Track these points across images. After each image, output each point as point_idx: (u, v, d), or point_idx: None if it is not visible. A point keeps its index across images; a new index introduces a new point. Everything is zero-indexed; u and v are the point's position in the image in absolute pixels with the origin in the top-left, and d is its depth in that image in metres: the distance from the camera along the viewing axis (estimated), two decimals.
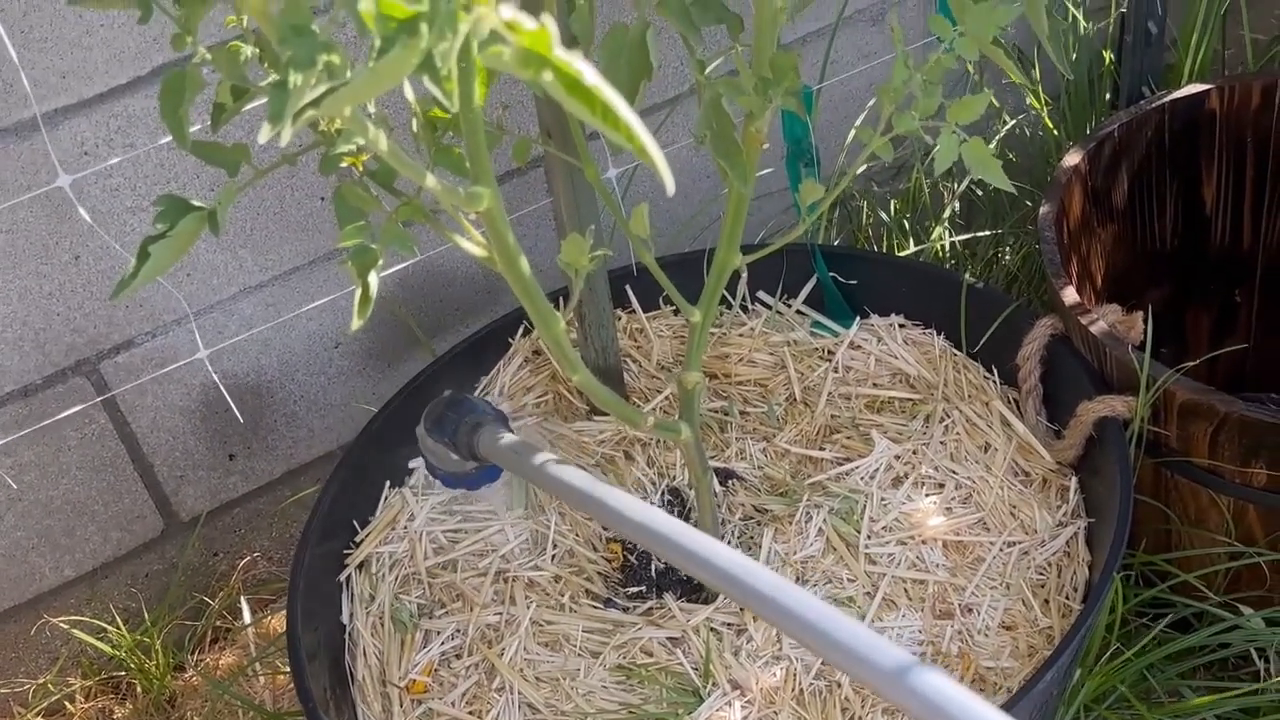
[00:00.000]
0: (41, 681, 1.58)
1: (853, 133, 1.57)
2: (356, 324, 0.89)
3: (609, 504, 0.93)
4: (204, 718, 1.54)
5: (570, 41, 1.17)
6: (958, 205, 1.70)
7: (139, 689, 1.59)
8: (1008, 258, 1.64)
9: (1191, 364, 1.22)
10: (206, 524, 1.60)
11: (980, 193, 1.72)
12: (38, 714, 1.57)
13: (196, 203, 0.95)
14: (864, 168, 1.76)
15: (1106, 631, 1.30)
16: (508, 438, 1.13)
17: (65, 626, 1.55)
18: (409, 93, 1.02)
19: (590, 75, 0.54)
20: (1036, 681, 1.06)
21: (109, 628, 1.57)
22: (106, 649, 1.57)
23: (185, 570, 1.61)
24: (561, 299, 1.42)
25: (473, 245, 0.97)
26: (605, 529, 1.36)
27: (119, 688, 1.61)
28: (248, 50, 0.92)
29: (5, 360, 1.36)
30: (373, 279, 0.94)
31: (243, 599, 1.61)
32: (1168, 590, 1.35)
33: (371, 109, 0.95)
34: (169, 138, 1.31)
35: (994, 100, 1.69)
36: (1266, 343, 1.63)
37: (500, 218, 0.92)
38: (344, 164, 0.98)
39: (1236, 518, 1.27)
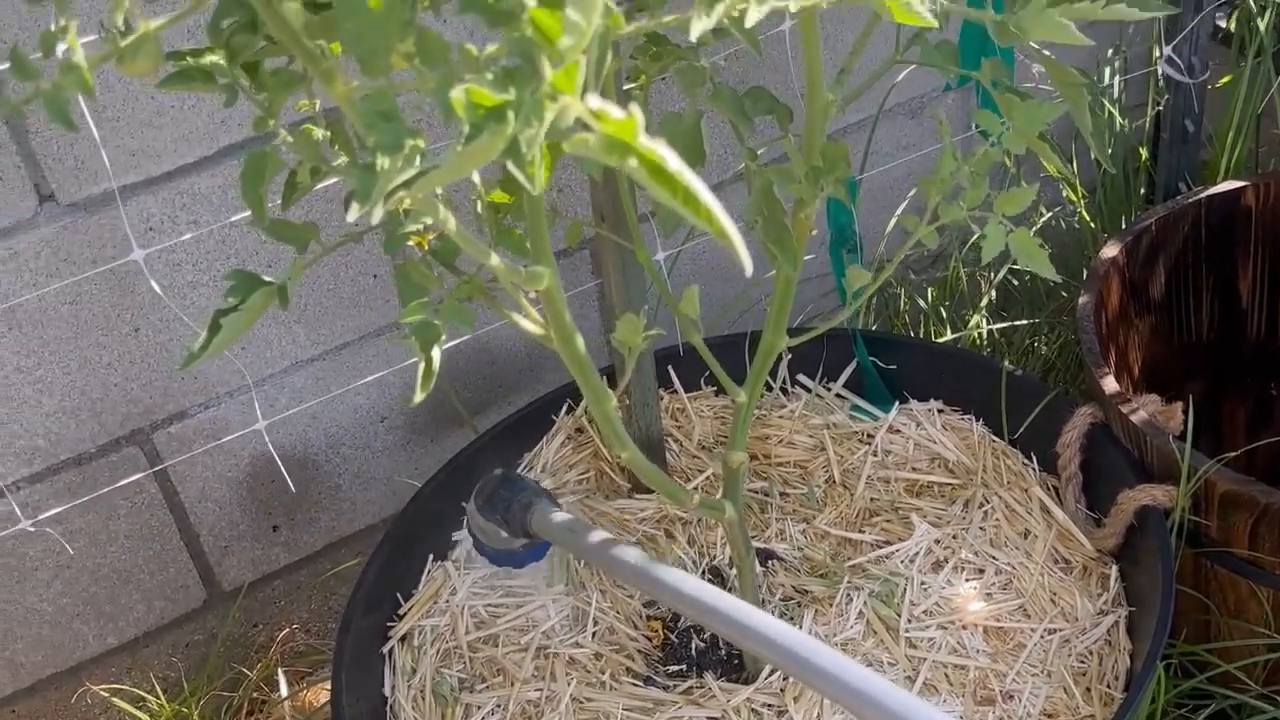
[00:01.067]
0: None
1: (893, 220, 1.60)
2: (419, 397, 0.91)
3: (665, 580, 0.96)
4: None
5: None
6: (994, 295, 1.73)
7: None
8: (1044, 347, 1.66)
9: (1232, 455, 1.23)
10: (247, 595, 1.62)
11: (1016, 283, 1.75)
12: None
13: (266, 278, 0.98)
14: (903, 256, 1.79)
15: None
16: (561, 515, 1.16)
17: (105, 694, 1.57)
18: (474, 175, 1.06)
19: (674, 162, 0.57)
20: None
21: (148, 697, 1.58)
22: (145, 718, 1.58)
23: (225, 641, 1.63)
24: (605, 377, 1.45)
25: (530, 324, 1.00)
26: (646, 606, 1.37)
27: None
28: (319, 133, 0.96)
29: (62, 428, 1.39)
30: (435, 353, 0.96)
31: (280, 671, 1.62)
32: (1207, 681, 1.35)
33: (439, 190, 0.99)
34: (232, 215, 1.35)
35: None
36: None
37: (559, 296, 0.95)
38: (410, 242, 1.01)
39: (1276, 609, 1.28)
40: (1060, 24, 0.92)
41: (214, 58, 0.87)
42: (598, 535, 1.11)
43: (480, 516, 1.21)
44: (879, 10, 0.85)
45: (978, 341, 1.65)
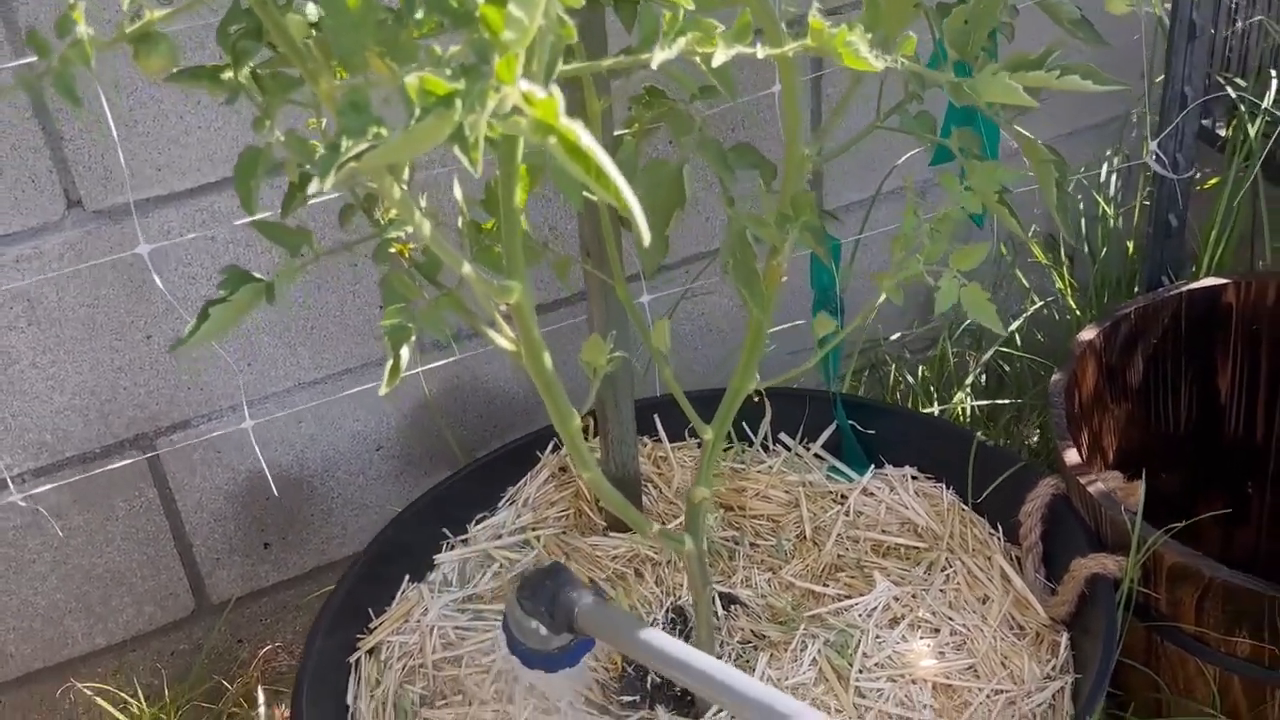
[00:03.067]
0: None
1: (884, 295, 1.66)
2: (384, 390, 0.97)
3: (727, 681, 1.01)
4: None
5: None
6: (985, 377, 1.77)
7: None
8: (1025, 427, 1.70)
9: (1179, 525, 1.26)
10: (234, 609, 1.67)
11: (1008, 368, 1.79)
12: None
13: (258, 275, 1.05)
14: (898, 335, 1.84)
15: None
16: (610, 608, 1.15)
17: (89, 693, 1.62)
18: (458, 192, 1.13)
19: (586, 139, 0.63)
20: None
21: (131, 700, 1.63)
22: None
23: (209, 653, 1.68)
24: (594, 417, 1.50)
25: (503, 340, 1.06)
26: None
27: None
28: (320, 147, 1.03)
29: (70, 425, 1.46)
30: (404, 353, 1.02)
31: (260, 689, 1.67)
32: None
33: (423, 203, 1.06)
34: (245, 233, 1.43)
35: (1023, 281, 1.78)
36: (1278, 537, 1.66)
37: (529, 312, 1.00)
38: (393, 250, 1.08)
39: (1222, 690, 1.30)
40: (1009, 87, 0.98)
41: (229, 74, 0.95)
42: (648, 631, 1.10)
43: (519, 608, 1.17)
44: (833, 57, 0.92)
45: (961, 418, 1.69)
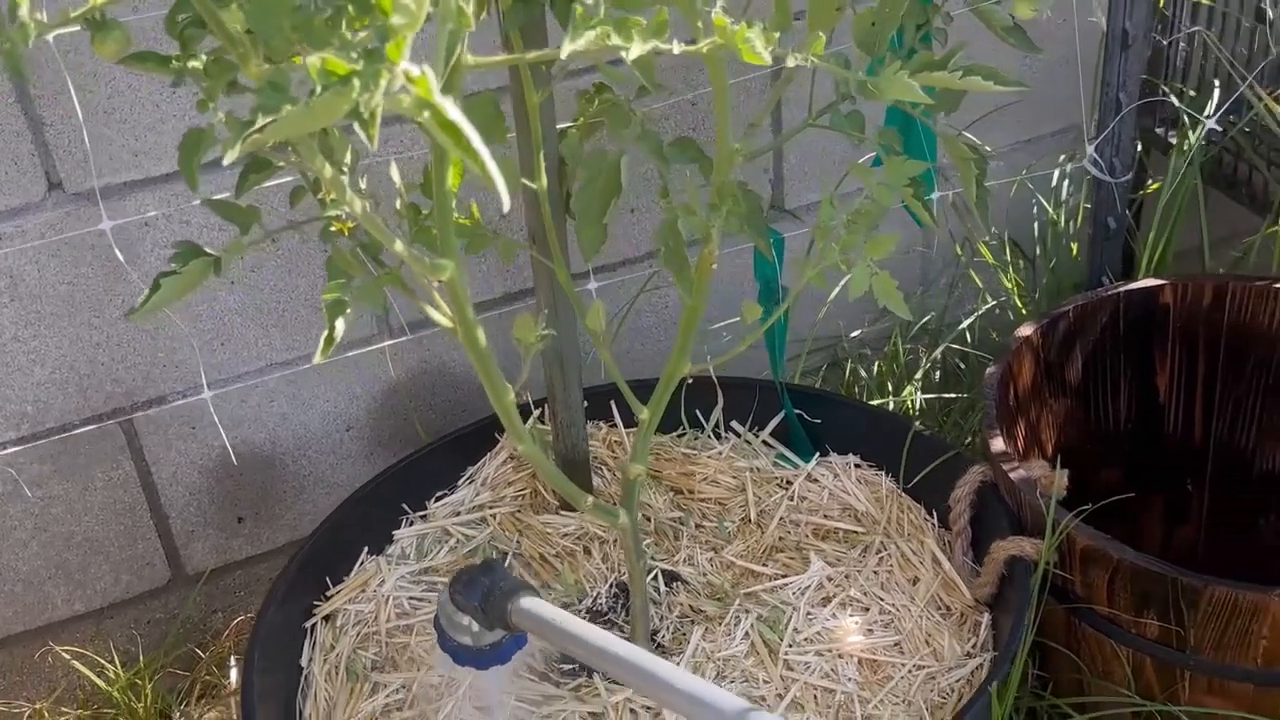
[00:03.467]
0: (38, 706, 1.70)
1: (836, 289, 1.72)
2: (318, 359, 1.04)
3: (659, 675, 1.04)
4: None
5: (560, 163, 1.35)
6: (940, 374, 1.83)
7: None
8: (974, 420, 1.76)
9: (1089, 508, 1.32)
10: (209, 581, 1.74)
11: (963, 365, 1.85)
12: None
13: (208, 250, 1.12)
14: (859, 332, 1.90)
15: None
16: (546, 605, 1.15)
17: (68, 657, 1.69)
18: (395, 176, 1.20)
19: (454, 113, 0.70)
20: None
21: (107, 665, 1.70)
22: (102, 685, 1.69)
23: (184, 622, 1.75)
24: (542, 406, 1.56)
25: (441, 316, 1.13)
26: None
27: None
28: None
29: (50, 398, 1.54)
30: (339, 325, 1.09)
31: (233, 658, 1.74)
32: None
33: (363, 184, 1.13)
34: (219, 217, 1.51)
35: (976, 280, 1.83)
36: (1217, 535, 1.71)
37: (461, 289, 1.07)
38: (333, 228, 1.15)
39: (1136, 670, 1.35)
40: (908, 85, 1.04)
41: (195, 63, 1.03)
42: (584, 627, 1.11)
43: (452, 605, 1.18)
44: (733, 51, 0.98)
45: (910, 410, 1.75)
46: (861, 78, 1.09)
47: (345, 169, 1.08)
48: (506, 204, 0.72)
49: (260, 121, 0.81)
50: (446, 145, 0.71)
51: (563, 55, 0.95)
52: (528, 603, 1.14)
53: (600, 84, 1.32)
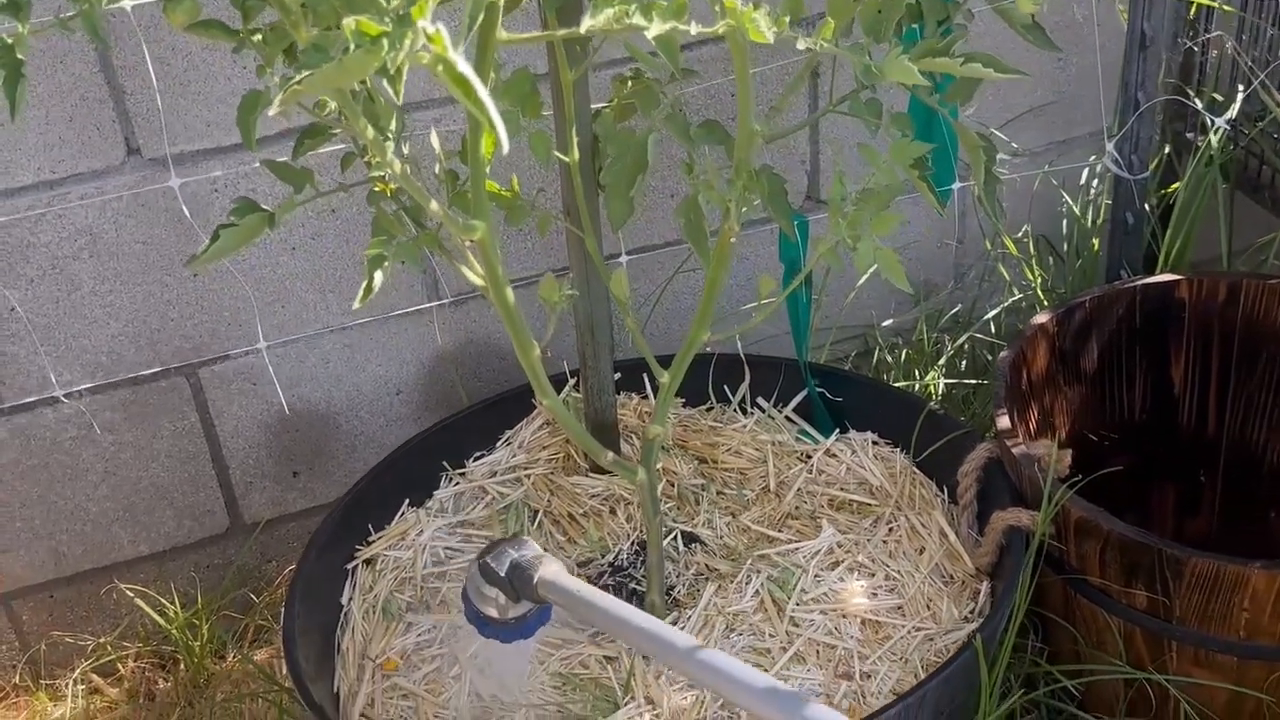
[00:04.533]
0: (102, 640, 1.83)
1: (864, 277, 1.80)
2: (357, 304, 1.14)
3: (677, 645, 1.12)
4: (232, 699, 1.76)
5: (594, 140, 1.44)
6: (967, 363, 1.90)
7: (182, 666, 1.83)
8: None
9: (1083, 480, 1.38)
10: (265, 531, 1.86)
11: (989, 356, 1.92)
12: (94, 669, 1.82)
13: (264, 206, 1.23)
14: (889, 322, 1.98)
15: None
16: (570, 578, 1.21)
17: (131, 595, 1.81)
18: (435, 143, 1.30)
19: (463, 67, 0.80)
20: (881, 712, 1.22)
21: (168, 605, 1.82)
22: (162, 623, 1.81)
23: (240, 569, 1.87)
24: (575, 379, 1.66)
25: (473, 275, 1.23)
26: (580, 566, 1.57)
27: (165, 663, 1.85)
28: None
29: (123, 350, 1.66)
30: (378, 276, 1.20)
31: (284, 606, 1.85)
32: (1078, 709, 1.48)
33: (406, 150, 1.23)
34: (283, 186, 1.62)
35: (1005, 274, 1.90)
36: (1229, 527, 1.76)
37: (492, 248, 1.17)
38: (377, 188, 1.25)
39: (1127, 641, 1.41)
40: (907, 68, 1.12)
41: (256, 36, 1.14)
42: (606, 599, 1.17)
43: (481, 577, 1.23)
44: (741, 30, 1.07)
45: (932, 395, 1.82)
46: (867, 61, 1.18)
47: (389, 135, 1.18)
48: (506, 147, 0.81)
49: (301, 76, 0.91)
50: (459, 96, 0.81)
51: (582, 30, 1.05)
52: (552, 574, 1.20)
53: (636, 69, 1.42)
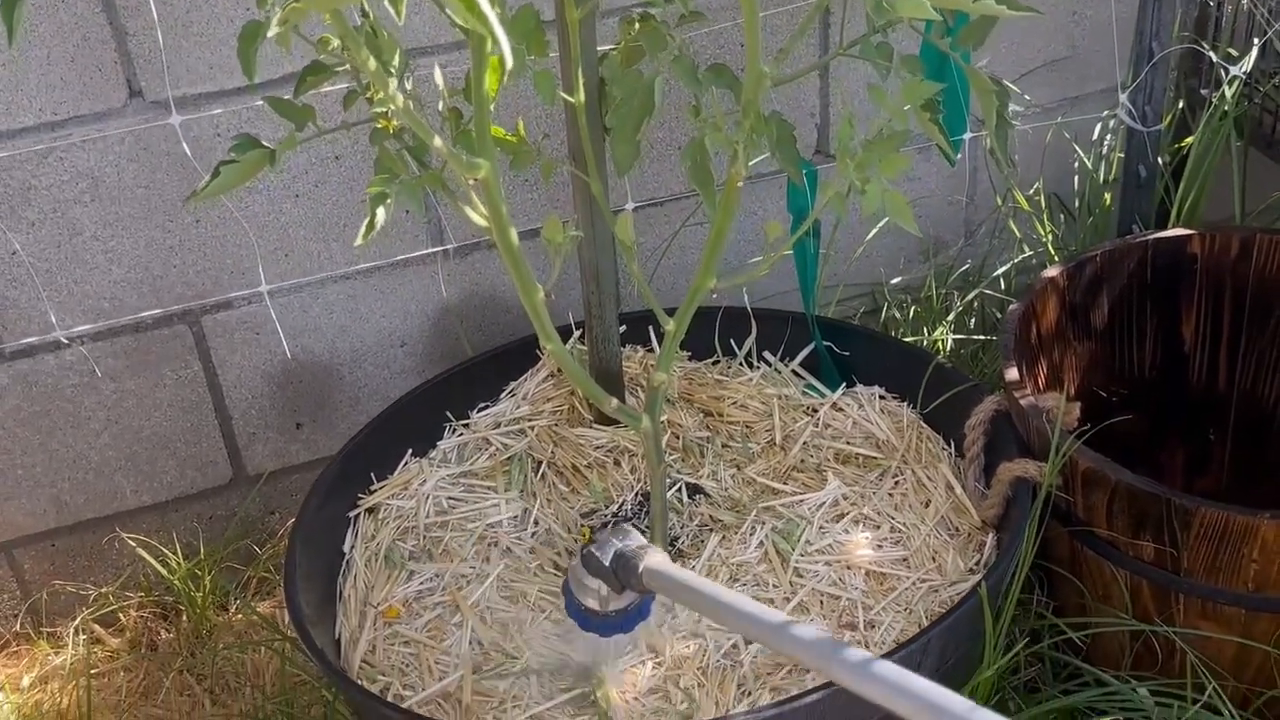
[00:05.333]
0: (104, 590, 1.83)
1: (874, 230, 1.78)
2: (359, 241, 1.13)
3: (789, 633, 1.07)
4: (234, 648, 1.75)
5: (601, 83, 1.42)
6: (976, 320, 1.88)
7: (184, 617, 1.83)
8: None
9: (1091, 430, 1.37)
10: (268, 483, 1.85)
11: (999, 314, 1.90)
12: (95, 618, 1.82)
13: (265, 143, 1.21)
14: (899, 279, 1.96)
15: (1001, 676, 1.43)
16: (676, 567, 1.18)
17: (134, 545, 1.81)
18: (439, 78, 1.29)
19: None
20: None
21: (170, 555, 1.81)
22: (165, 574, 1.81)
23: (243, 520, 1.86)
24: (580, 329, 1.64)
25: (476, 215, 1.21)
26: (583, 516, 1.56)
27: (167, 613, 1.85)
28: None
29: (125, 296, 1.65)
30: (380, 214, 1.19)
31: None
32: (1083, 662, 1.47)
33: (409, 85, 1.22)
34: (285, 130, 1.61)
35: (1016, 230, 1.88)
36: (1239, 485, 1.74)
37: (496, 187, 1.15)
38: (379, 125, 1.23)
39: (1134, 594, 1.40)
40: (919, 2, 1.10)
41: None
42: (713, 587, 1.14)
43: (584, 568, 1.22)
44: None
45: (941, 350, 1.81)
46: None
47: (392, 70, 1.17)
48: (510, 63, 0.79)
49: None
50: (458, 16, 0.79)
51: None
52: (657, 563, 1.17)
53: (644, 11, 1.40)
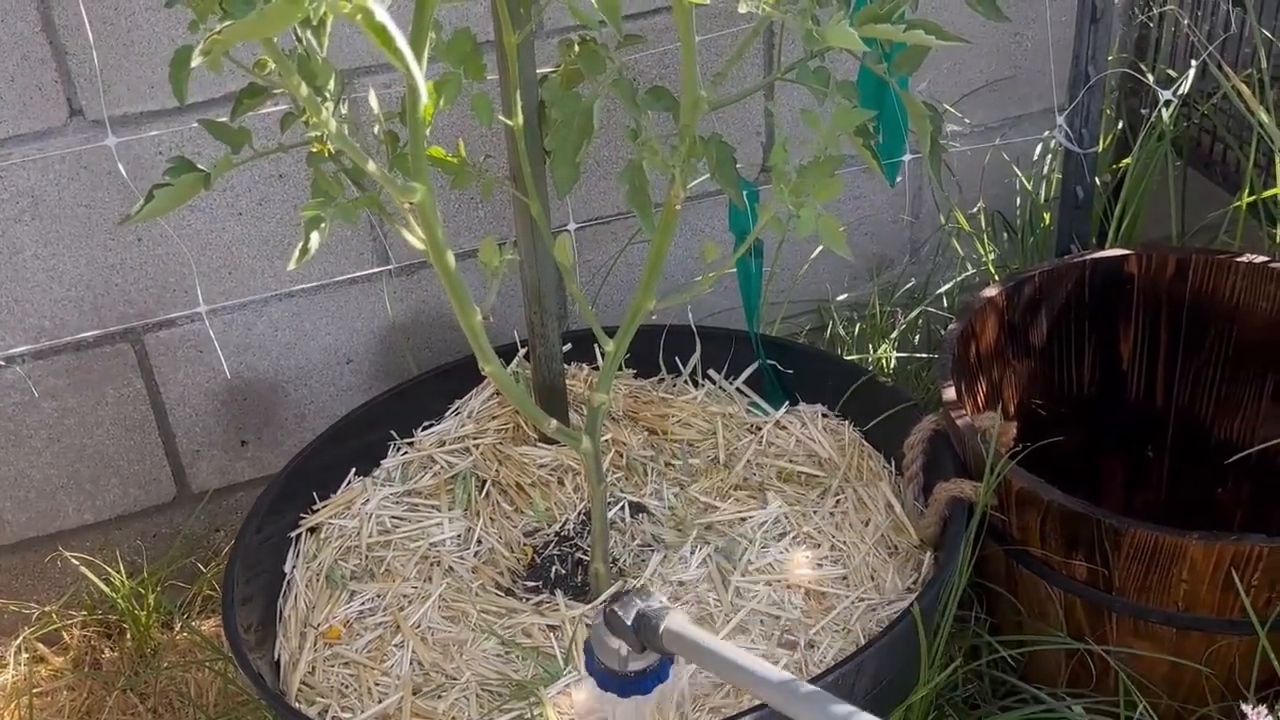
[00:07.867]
0: (47, 609, 1.81)
1: (816, 251, 1.79)
2: (292, 265, 1.13)
3: (815, 701, 1.03)
4: (178, 668, 1.75)
5: (541, 106, 1.43)
6: (920, 337, 1.90)
7: (128, 635, 1.82)
8: None
9: (1029, 448, 1.38)
10: (213, 500, 1.84)
11: (943, 331, 1.91)
12: (38, 637, 1.81)
13: (200, 166, 1.21)
14: (844, 296, 1.97)
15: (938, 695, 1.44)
16: (695, 628, 1.16)
17: (77, 564, 1.80)
18: (374, 103, 1.29)
19: (381, 14, 0.79)
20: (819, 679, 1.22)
21: (114, 574, 1.80)
22: (108, 592, 1.80)
23: (188, 538, 1.85)
24: (524, 348, 1.65)
25: (414, 238, 1.21)
26: (526, 536, 1.56)
27: (110, 631, 1.84)
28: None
29: (67, 315, 1.64)
30: (315, 237, 1.18)
31: None
32: (1020, 680, 1.48)
33: (344, 110, 1.22)
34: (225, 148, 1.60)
35: (959, 249, 1.90)
36: (1177, 502, 1.77)
37: (431, 211, 1.16)
38: (315, 149, 1.24)
39: (1068, 612, 1.42)
40: (848, 34, 1.11)
41: None
42: (733, 650, 1.12)
43: (606, 627, 1.20)
44: None
45: (883, 368, 1.82)
46: (809, 25, 1.17)
47: (326, 94, 1.17)
48: (424, 97, 0.80)
49: (220, 27, 0.90)
50: (376, 44, 0.80)
51: None
52: (678, 624, 1.15)
53: (584, 36, 1.41)
